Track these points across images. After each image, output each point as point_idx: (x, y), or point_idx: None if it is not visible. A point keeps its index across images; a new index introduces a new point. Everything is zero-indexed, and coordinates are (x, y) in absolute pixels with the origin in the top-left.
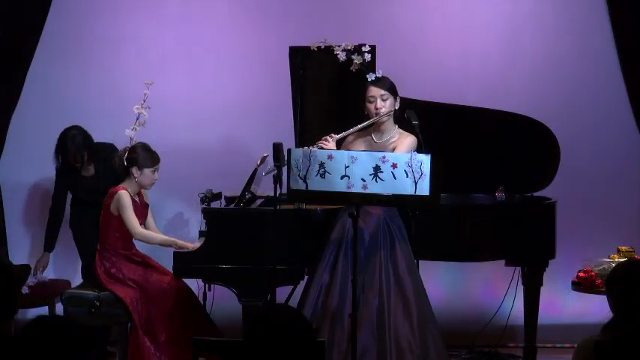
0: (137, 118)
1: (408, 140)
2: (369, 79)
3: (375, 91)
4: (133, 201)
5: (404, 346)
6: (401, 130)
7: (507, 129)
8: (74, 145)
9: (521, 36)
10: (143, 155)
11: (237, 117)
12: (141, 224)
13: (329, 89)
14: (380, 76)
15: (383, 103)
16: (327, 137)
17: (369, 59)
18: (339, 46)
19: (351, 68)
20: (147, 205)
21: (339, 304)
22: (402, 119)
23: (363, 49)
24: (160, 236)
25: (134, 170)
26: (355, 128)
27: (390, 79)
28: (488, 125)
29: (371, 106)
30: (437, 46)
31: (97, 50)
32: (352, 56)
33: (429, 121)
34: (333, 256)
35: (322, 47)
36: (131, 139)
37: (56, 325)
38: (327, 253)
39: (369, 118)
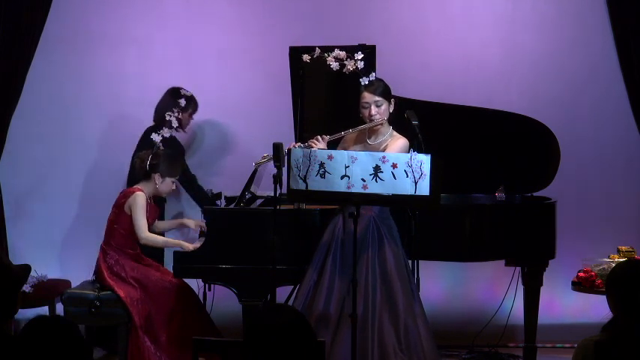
0: (165, 125)
1: (399, 143)
2: (363, 84)
3: (368, 97)
4: (147, 203)
5: (389, 351)
6: (394, 132)
7: (507, 129)
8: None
9: (521, 36)
10: (168, 164)
11: (237, 117)
12: (149, 225)
13: (329, 89)
14: (374, 79)
15: (377, 109)
16: (318, 137)
17: (362, 66)
18: (330, 55)
19: (344, 70)
20: (157, 209)
21: (324, 305)
22: (398, 120)
23: (356, 55)
24: (165, 239)
25: (156, 177)
26: (347, 132)
27: (384, 82)
28: (488, 125)
29: (365, 112)
30: (437, 46)
31: (97, 50)
32: (345, 62)
33: (429, 121)
34: (321, 258)
35: (315, 57)
36: (156, 143)
37: (54, 325)
38: (317, 256)
39: (365, 122)
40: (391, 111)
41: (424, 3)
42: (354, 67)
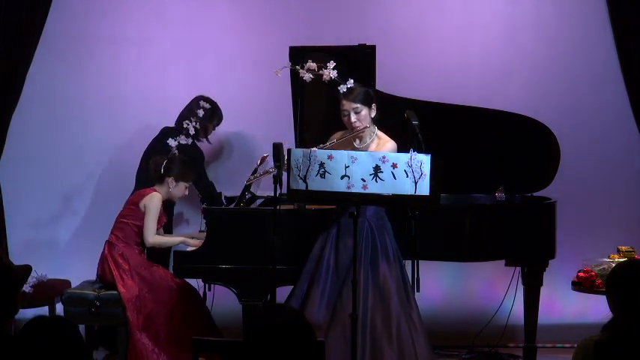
0: (182, 132)
1: (387, 147)
2: (341, 92)
3: (347, 105)
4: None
5: (382, 348)
6: (380, 134)
7: (507, 129)
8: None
9: (521, 36)
10: (182, 169)
11: (237, 117)
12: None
13: (328, 89)
14: (351, 87)
15: (357, 117)
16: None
17: (336, 75)
18: (302, 68)
19: (323, 79)
20: (165, 216)
21: (317, 310)
22: (398, 120)
23: (328, 65)
24: (170, 238)
25: (170, 180)
26: (332, 142)
27: (363, 88)
28: (488, 125)
29: (345, 119)
30: (437, 45)
31: (97, 50)
32: (318, 72)
33: (429, 121)
34: (312, 266)
35: (289, 69)
36: (172, 148)
37: (53, 325)
38: (309, 263)
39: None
40: (372, 116)
41: (424, 3)
42: (330, 77)
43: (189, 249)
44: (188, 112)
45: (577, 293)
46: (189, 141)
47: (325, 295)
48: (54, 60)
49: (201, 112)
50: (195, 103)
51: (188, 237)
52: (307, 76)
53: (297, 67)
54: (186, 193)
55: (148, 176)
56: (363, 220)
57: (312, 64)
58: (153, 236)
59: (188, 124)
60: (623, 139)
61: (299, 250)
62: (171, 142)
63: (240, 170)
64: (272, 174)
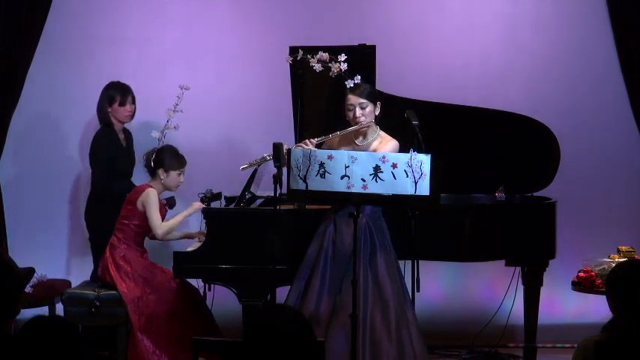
0: (167, 121)
1: (389, 146)
2: (348, 87)
3: (353, 100)
4: (159, 200)
5: (381, 345)
6: (382, 134)
7: (507, 129)
8: (132, 98)
9: (521, 36)
10: (170, 158)
11: (237, 117)
12: None
13: (328, 89)
14: (359, 82)
15: (362, 112)
16: (307, 141)
17: (346, 68)
18: (313, 57)
19: (330, 74)
20: (166, 209)
21: (316, 304)
22: (398, 120)
23: (339, 57)
24: (174, 220)
25: (160, 172)
26: (335, 134)
27: (369, 85)
28: (488, 125)
29: (350, 114)
30: (437, 45)
31: (97, 50)
32: (329, 64)
33: (429, 121)
34: (310, 262)
35: (298, 58)
36: (159, 140)
37: (52, 325)
38: (306, 261)
39: (351, 124)
40: (377, 113)
41: (424, 3)
42: (339, 70)
43: (190, 249)
44: (101, 104)
45: (577, 293)
46: (168, 132)
47: (325, 286)
48: (54, 60)
49: (116, 96)
50: (104, 92)
51: (187, 214)
52: (317, 67)
53: (309, 55)
54: (182, 180)
55: (99, 180)
56: (360, 218)
57: (323, 55)
58: (161, 227)
59: (170, 112)
60: (623, 139)
61: (299, 250)
62: (155, 135)
63: (240, 170)
64: (268, 161)
